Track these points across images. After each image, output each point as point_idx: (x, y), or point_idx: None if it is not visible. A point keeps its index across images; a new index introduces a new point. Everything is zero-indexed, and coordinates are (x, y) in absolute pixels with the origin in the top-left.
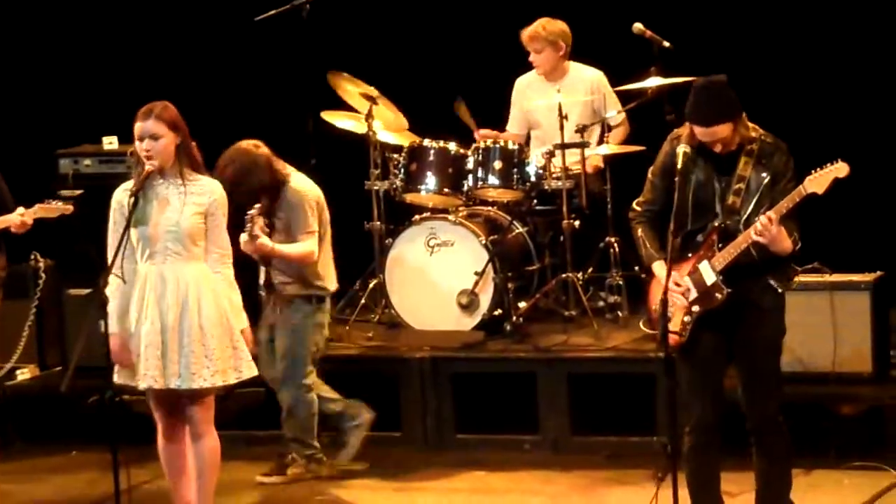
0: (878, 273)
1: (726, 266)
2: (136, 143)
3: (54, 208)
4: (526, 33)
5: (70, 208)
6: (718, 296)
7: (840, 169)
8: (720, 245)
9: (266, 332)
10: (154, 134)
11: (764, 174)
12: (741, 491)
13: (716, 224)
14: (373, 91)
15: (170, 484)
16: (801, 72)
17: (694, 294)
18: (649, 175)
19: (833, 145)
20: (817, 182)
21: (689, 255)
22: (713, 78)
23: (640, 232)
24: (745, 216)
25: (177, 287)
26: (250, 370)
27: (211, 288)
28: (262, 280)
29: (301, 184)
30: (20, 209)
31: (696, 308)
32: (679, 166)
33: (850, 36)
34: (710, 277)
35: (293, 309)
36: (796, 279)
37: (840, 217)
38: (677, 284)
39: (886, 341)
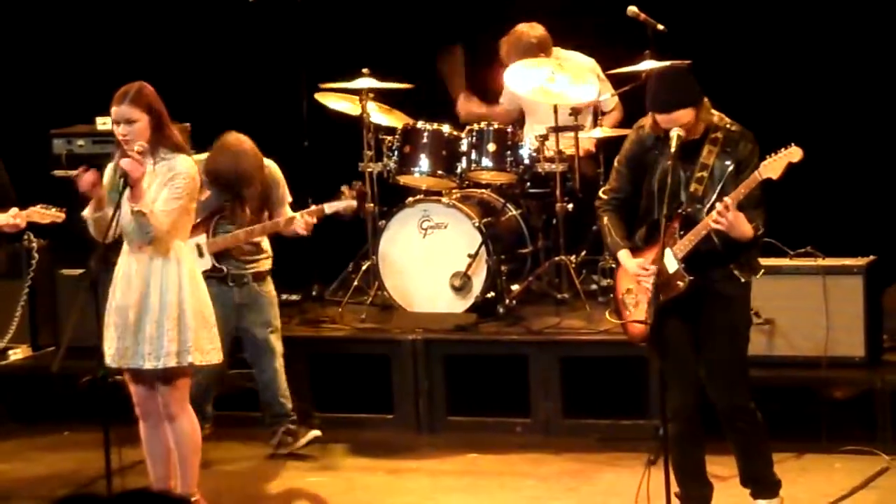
0: (871, 257)
1: (687, 253)
2: (113, 126)
3: (48, 214)
4: (510, 45)
5: (62, 216)
6: (680, 283)
7: (793, 153)
8: (681, 233)
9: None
10: (129, 118)
11: (728, 162)
12: (731, 474)
13: (679, 212)
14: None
15: (149, 468)
16: (792, 56)
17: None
18: (615, 163)
19: (823, 131)
20: (771, 167)
21: (654, 242)
22: (673, 64)
23: (605, 220)
24: (709, 204)
25: (140, 269)
26: (217, 354)
27: (186, 270)
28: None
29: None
30: (13, 210)
31: (661, 297)
32: (673, 150)
33: (842, 20)
34: (672, 265)
35: (267, 283)
36: (768, 262)
37: (832, 201)
38: (645, 270)
39: (879, 325)
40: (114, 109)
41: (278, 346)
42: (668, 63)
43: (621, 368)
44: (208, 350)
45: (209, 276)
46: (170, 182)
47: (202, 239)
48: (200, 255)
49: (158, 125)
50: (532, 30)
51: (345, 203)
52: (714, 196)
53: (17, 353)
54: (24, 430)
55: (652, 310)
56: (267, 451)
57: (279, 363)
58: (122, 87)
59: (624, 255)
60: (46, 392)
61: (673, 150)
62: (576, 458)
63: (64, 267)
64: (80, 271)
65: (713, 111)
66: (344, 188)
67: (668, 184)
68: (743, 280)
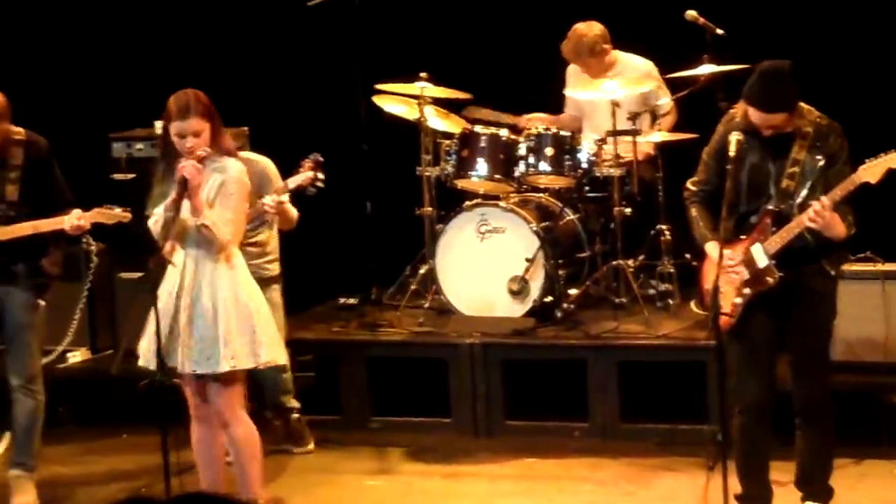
0: None
1: (779, 250)
2: (175, 138)
3: (113, 215)
4: (567, 50)
5: (128, 216)
6: (770, 279)
7: (894, 159)
8: (773, 228)
9: None
10: (196, 131)
11: (818, 157)
12: (790, 480)
13: (770, 207)
14: (419, 90)
15: (200, 473)
16: (854, 58)
17: (746, 276)
18: (703, 156)
19: (889, 131)
20: (871, 171)
21: (742, 236)
22: (779, 64)
23: (693, 212)
24: (800, 200)
25: (192, 272)
26: (268, 356)
27: (229, 273)
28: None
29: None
30: (77, 211)
31: (747, 290)
32: (732, 153)
33: None
34: (762, 260)
35: (271, 290)
36: (848, 264)
37: (892, 206)
38: (732, 261)
39: None
40: (177, 124)
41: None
42: (772, 60)
43: (679, 373)
44: (253, 354)
45: None
46: (221, 188)
47: None
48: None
49: (216, 131)
50: (590, 28)
51: (303, 176)
52: (805, 191)
53: (76, 357)
54: (83, 432)
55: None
56: (323, 455)
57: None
58: (175, 99)
59: (711, 246)
60: (105, 395)
61: (732, 154)
62: (634, 462)
63: (122, 270)
64: (139, 274)
65: (802, 105)
66: (303, 161)
67: (756, 178)
68: (833, 274)
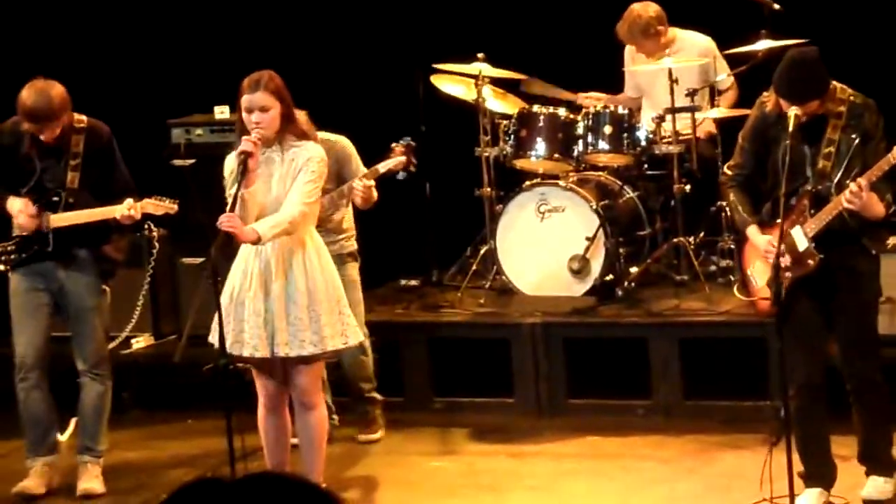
0: None
1: (818, 232)
2: (244, 114)
3: (161, 206)
4: (622, 32)
5: (175, 208)
6: (811, 262)
7: None
8: (812, 211)
9: None
10: (263, 106)
11: (854, 136)
12: (853, 454)
13: (807, 189)
14: (476, 71)
15: (267, 458)
16: None
17: (787, 260)
18: (739, 139)
19: None
20: None
21: (782, 219)
22: (806, 52)
23: (731, 196)
24: (837, 180)
25: (281, 256)
26: (356, 336)
27: (318, 255)
28: None
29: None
30: (128, 201)
31: (788, 274)
32: (791, 128)
33: None
34: (802, 243)
35: (347, 267)
36: (891, 240)
37: None
38: (773, 246)
39: None
40: (246, 97)
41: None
42: (799, 48)
43: (741, 349)
44: (342, 334)
45: None
46: (304, 167)
47: None
48: None
49: (288, 114)
50: (646, 9)
51: (395, 160)
52: (841, 171)
53: (140, 342)
54: (148, 417)
55: (776, 286)
56: (387, 437)
57: (360, 348)
58: (251, 75)
59: (752, 230)
60: (169, 380)
61: (791, 129)
62: (697, 439)
63: (184, 256)
64: (201, 260)
65: (836, 85)
66: (394, 145)
67: (791, 161)
68: (874, 252)
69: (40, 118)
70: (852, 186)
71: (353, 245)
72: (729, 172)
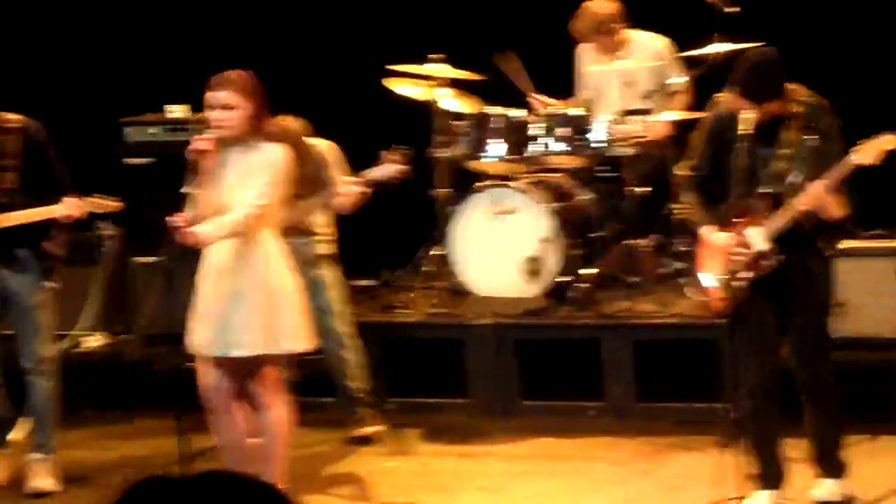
0: None
1: (775, 233)
2: (206, 111)
3: (103, 204)
4: (576, 28)
5: (119, 205)
6: (766, 263)
7: (889, 141)
8: (769, 212)
9: None
10: (225, 104)
11: (811, 137)
12: (804, 457)
13: (763, 190)
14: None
15: (224, 460)
16: (862, 36)
17: (744, 261)
18: (696, 141)
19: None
20: (864, 154)
21: (738, 220)
22: (765, 53)
23: (688, 197)
24: (794, 182)
25: (232, 256)
26: (310, 339)
27: (276, 258)
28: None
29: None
30: (68, 201)
31: (745, 275)
32: (741, 131)
33: None
34: (759, 244)
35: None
36: (861, 241)
37: None
38: (733, 244)
39: None
40: (209, 94)
41: (339, 328)
42: (758, 49)
43: (694, 351)
44: (300, 336)
45: None
46: (262, 169)
47: None
48: None
49: (256, 115)
50: (600, 6)
51: (390, 168)
52: (797, 173)
53: (92, 341)
54: (100, 416)
55: (734, 287)
56: (339, 436)
57: (342, 347)
58: (221, 74)
59: (709, 231)
60: (121, 379)
61: (741, 132)
62: (650, 441)
63: (138, 254)
64: (154, 259)
65: (792, 85)
66: (384, 153)
67: (747, 163)
68: (827, 254)
69: None
70: (811, 189)
71: (326, 248)
72: (685, 173)
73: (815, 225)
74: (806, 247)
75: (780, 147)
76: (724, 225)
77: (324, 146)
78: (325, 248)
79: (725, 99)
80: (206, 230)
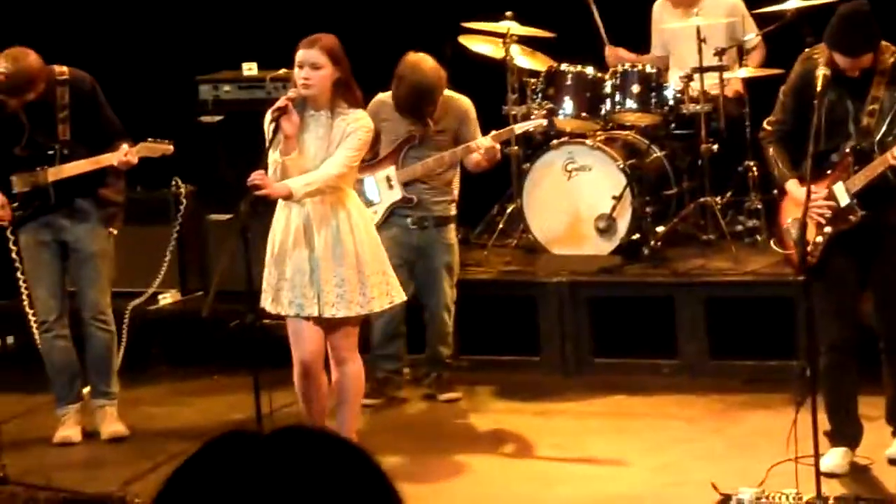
0: None
1: (861, 189)
2: (296, 69)
3: (157, 147)
4: None
5: (171, 148)
6: (852, 218)
7: None
8: (855, 167)
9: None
10: (315, 63)
11: None
12: (879, 415)
13: (850, 145)
14: (503, 34)
15: (307, 418)
16: None
17: (828, 215)
18: (780, 95)
19: None
20: None
21: (823, 175)
22: (857, 5)
23: (771, 151)
24: (879, 137)
25: (324, 214)
26: (400, 295)
27: (361, 217)
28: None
29: (458, 95)
30: (124, 147)
31: (828, 229)
32: (819, 89)
33: None
34: (843, 199)
35: (448, 230)
36: None
37: None
38: (818, 197)
39: None
40: (301, 52)
41: (447, 292)
42: (850, 2)
43: (767, 309)
44: (387, 294)
45: (395, 211)
46: (353, 133)
47: (391, 171)
48: (390, 186)
49: (342, 79)
50: None
51: (535, 122)
52: (884, 128)
53: (167, 298)
54: (175, 373)
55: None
56: (416, 393)
57: (442, 310)
58: (313, 35)
59: (793, 184)
60: (196, 336)
61: (819, 89)
62: (722, 399)
63: (212, 212)
64: (229, 216)
65: (882, 42)
66: (533, 106)
67: (835, 117)
68: None
69: (21, 90)
70: None
71: (453, 209)
72: (769, 127)
73: None
74: (892, 203)
75: (867, 103)
76: (811, 180)
77: (464, 101)
78: (450, 209)
79: (816, 52)
80: (295, 185)
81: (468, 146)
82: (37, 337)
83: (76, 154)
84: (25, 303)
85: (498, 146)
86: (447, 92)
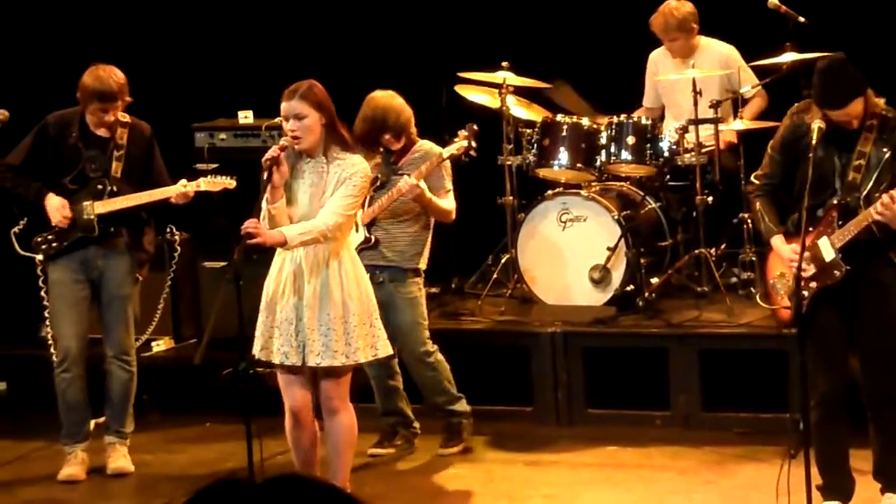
0: None
1: (846, 244)
2: (283, 123)
3: (218, 182)
4: (656, 24)
5: (233, 184)
6: (837, 273)
7: None
8: (840, 222)
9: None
10: (299, 114)
11: (885, 150)
12: (871, 469)
13: (835, 200)
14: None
15: (297, 466)
16: None
17: (812, 270)
18: (769, 149)
19: None
20: None
21: (808, 230)
22: (832, 58)
23: (758, 205)
24: (865, 192)
25: (315, 263)
26: (385, 349)
27: (353, 266)
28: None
29: (435, 145)
30: (182, 181)
31: (813, 284)
32: (814, 142)
33: None
34: (829, 254)
35: (407, 282)
36: None
37: None
38: (798, 255)
39: None
40: (284, 105)
41: (417, 344)
42: (826, 56)
43: (761, 362)
44: (372, 347)
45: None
46: (348, 179)
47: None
48: (356, 229)
49: (330, 124)
50: (682, 5)
51: (456, 145)
52: (871, 183)
53: (160, 345)
54: (168, 421)
55: (797, 298)
56: (428, 444)
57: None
58: (292, 85)
59: (777, 240)
60: (189, 384)
61: (814, 142)
62: (715, 451)
63: (206, 259)
64: (223, 264)
65: (871, 94)
66: (459, 131)
67: (821, 172)
68: None
69: (108, 97)
70: (884, 198)
71: (415, 263)
72: (756, 182)
73: (887, 236)
74: (876, 257)
75: (854, 157)
76: (794, 235)
77: (432, 148)
78: (412, 263)
79: (803, 108)
80: (291, 233)
81: (399, 188)
82: (54, 374)
83: (124, 192)
84: (49, 335)
85: (420, 183)
86: (422, 140)
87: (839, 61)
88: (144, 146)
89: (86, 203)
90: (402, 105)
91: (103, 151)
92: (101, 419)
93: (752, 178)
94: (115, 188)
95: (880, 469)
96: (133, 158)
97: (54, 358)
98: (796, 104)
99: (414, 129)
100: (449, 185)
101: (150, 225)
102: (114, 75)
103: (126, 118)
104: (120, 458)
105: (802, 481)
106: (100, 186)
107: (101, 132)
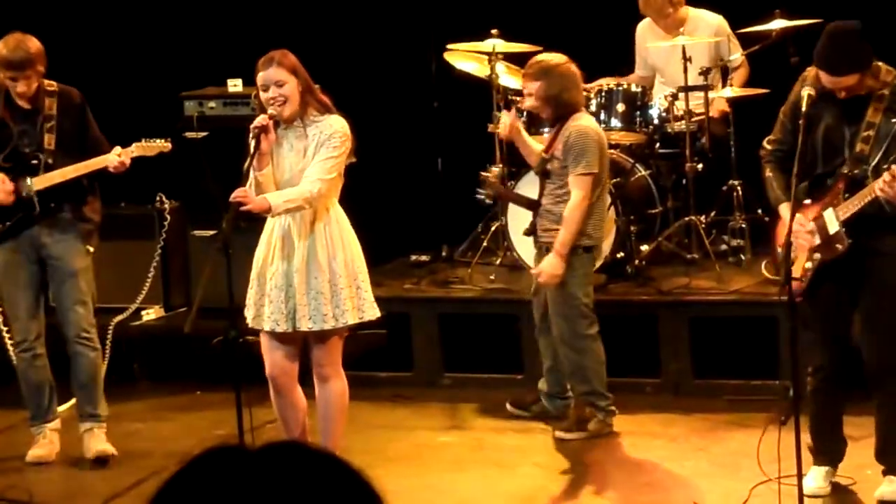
0: None
1: (850, 216)
2: (262, 93)
3: (154, 146)
4: (650, 9)
5: (168, 146)
6: (839, 246)
7: None
8: (846, 194)
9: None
10: (278, 81)
11: (894, 120)
12: (863, 435)
13: (843, 171)
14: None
15: (284, 434)
16: None
17: (817, 241)
18: (780, 115)
19: None
20: None
21: (817, 198)
22: (846, 25)
23: (768, 172)
24: (874, 164)
25: (301, 228)
26: (373, 311)
27: (340, 228)
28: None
29: (589, 122)
30: (117, 149)
31: (817, 255)
32: (803, 109)
33: None
34: (833, 226)
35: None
36: None
37: None
38: (803, 227)
39: None
40: (261, 75)
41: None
42: (840, 21)
43: (751, 328)
44: (359, 309)
45: None
46: (327, 141)
47: None
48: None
49: (306, 88)
50: None
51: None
52: (880, 155)
53: (150, 314)
54: (158, 389)
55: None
56: (392, 412)
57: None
58: (264, 56)
59: (785, 208)
60: (179, 352)
61: (804, 109)
62: (705, 418)
63: (196, 228)
64: (212, 232)
65: (881, 65)
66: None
67: (831, 141)
68: None
69: (18, 66)
70: (886, 176)
71: None
72: (768, 146)
73: (892, 208)
74: (881, 229)
75: (862, 128)
76: (803, 204)
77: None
78: None
79: (810, 75)
80: (275, 200)
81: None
82: (12, 355)
83: (61, 165)
84: (0, 320)
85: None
86: None
87: (851, 30)
88: (75, 114)
89: (22, 181)
90: None
91: (33, 124)
92: (66, 405)
93: (763, 143)
94: (50, 160)
95: (884, 450)
96: (65, 128)
97: (10, 340)
98: (808, 68)
99: None
100: (595, 167)
101: (93, 192)
102: (25, 44)
103: (53, 86)
104: (100, 443)
105: (793, 448)
106: (34, 161)
107: (23, 104)
